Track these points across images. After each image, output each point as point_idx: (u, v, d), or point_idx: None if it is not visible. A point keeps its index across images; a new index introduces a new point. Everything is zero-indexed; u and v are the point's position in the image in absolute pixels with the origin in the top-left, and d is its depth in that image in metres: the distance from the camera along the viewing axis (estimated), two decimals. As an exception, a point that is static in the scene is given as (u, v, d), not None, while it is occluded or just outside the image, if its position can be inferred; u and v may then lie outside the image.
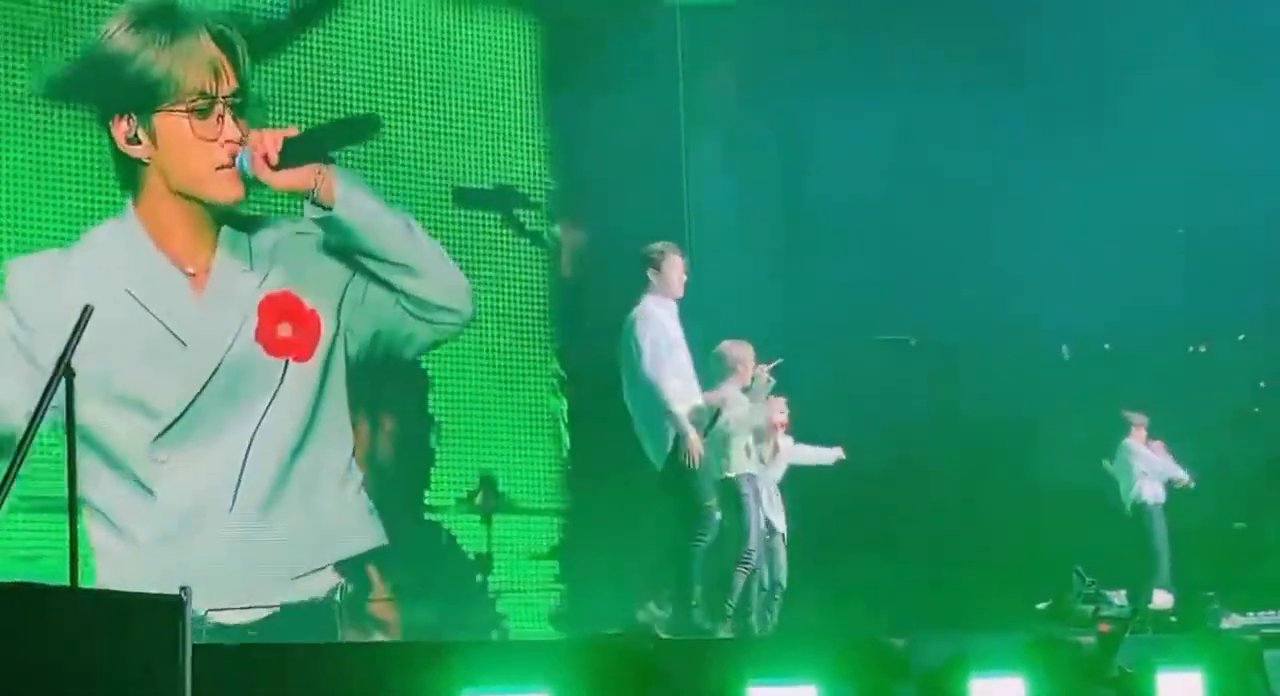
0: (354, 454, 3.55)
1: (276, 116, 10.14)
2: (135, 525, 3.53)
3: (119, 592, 3.86)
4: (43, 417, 3.52)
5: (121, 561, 3.54)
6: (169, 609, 3.39)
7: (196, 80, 3.35)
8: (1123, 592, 12.34)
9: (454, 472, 11.45)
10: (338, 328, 3.43)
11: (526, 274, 12.19)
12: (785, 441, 10.94)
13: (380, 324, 3.50)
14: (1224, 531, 13.80)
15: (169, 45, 3.32)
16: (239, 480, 3.39)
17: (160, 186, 3.50)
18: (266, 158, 3.43)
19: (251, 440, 3.40)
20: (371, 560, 9.98)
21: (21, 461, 3.57)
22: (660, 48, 12.63)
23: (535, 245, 12.32)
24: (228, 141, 3.47)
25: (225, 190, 3.41)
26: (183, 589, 3.54)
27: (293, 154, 3.50)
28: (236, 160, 3.48)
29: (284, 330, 3.42)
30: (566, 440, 12.33)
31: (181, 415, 3.44)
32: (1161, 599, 12.62)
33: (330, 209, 3.41)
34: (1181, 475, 13.44)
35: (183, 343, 3.41)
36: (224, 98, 3.45)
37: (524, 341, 12.08)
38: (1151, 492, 13.41)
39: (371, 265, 3.42)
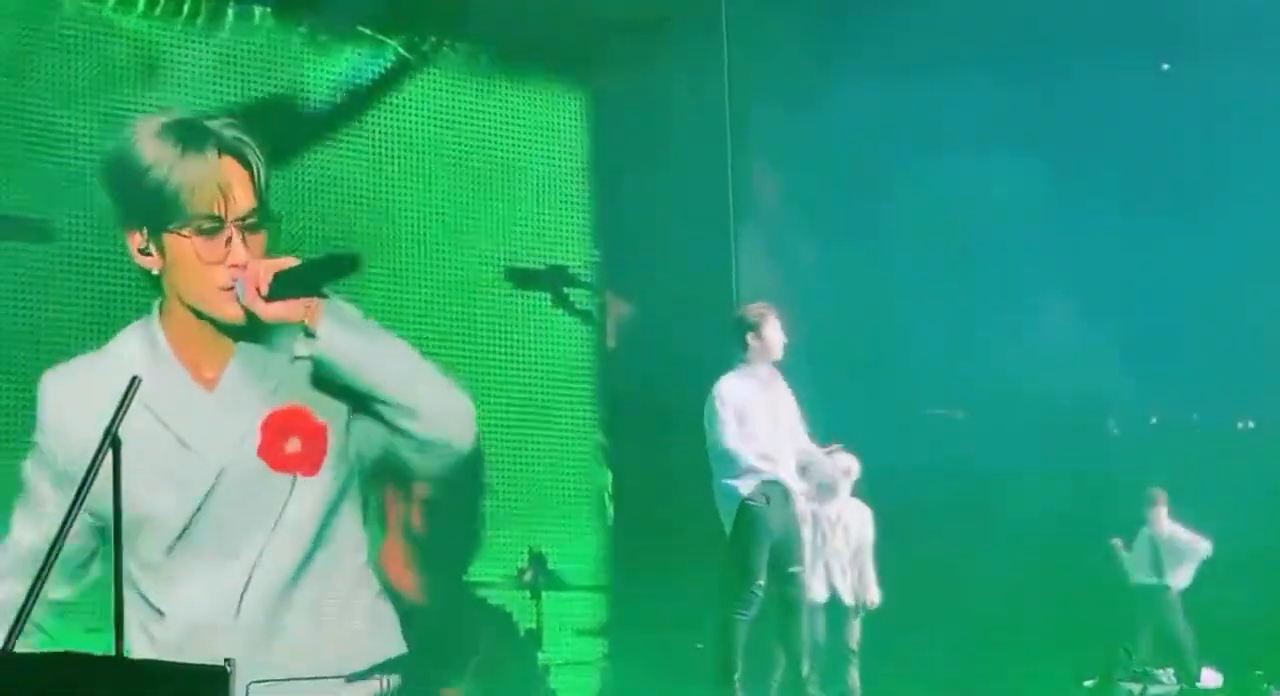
0: (370, 560, 3.50)
1: (315, 207, 10.27)
2: (144, 635, 3.48)
3: (164, 663, 3.85)
4: (88, 491, 3.51)
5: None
6: (214, 680, 3.38)
7: (204, 200, 3.30)
8: (1170, 671, 12.24)
9: (499, 548, 11.45)
10: (348, 439, 3.39)
11: (570, 345, 12.21)
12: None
13: (385, 453, 3.47)
14: (1274, 609, 13.66)
15: (181, 161, 3.29)
16: (242, 595, 3.32)
17: (174, 298, 3.50)
18: (258, 288, 3.39)
19: (261, 554, 3.34)
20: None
21: (66, 533, 3.56)
22: (710, 117, 12.64)
23: (579, 317, 12.34)
24: (232, 265, 3.43)
25: (229, 311, 3.38)
26: (227, 660, 3.51)
27: (280, 289, 3.48)
28: (235, 286, 3.47)
29: (292, 445, 3.38)
30: (611, 513, 12.30)
31: (187, 527, 3.38)
32: (1210, 678, 12.49)
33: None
34: (1206, 548, 13.31)
35: (188, 447, 3.35)
36: (235, 220, 3.40)
37: (568, 413, 12.09)
38: (1184, 576, 13.27)
39: (366, 404, 3.37)
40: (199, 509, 3.62)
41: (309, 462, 3.63)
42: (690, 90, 12.38)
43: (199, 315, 3.70)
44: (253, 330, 3.73)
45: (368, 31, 11.54)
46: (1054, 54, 13.24)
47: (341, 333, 3.62)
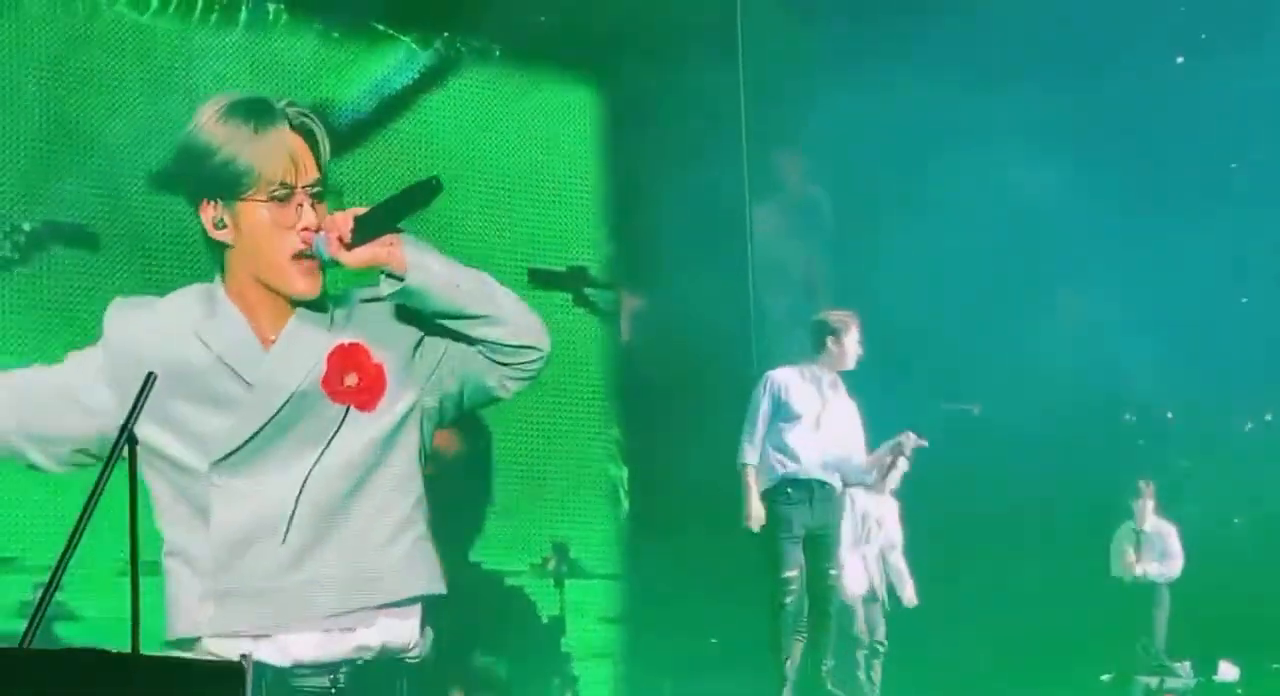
0: (420, 504, 3.63)
1: (352, 203, 10.31)
2: (192, 545, 3.64)
3: (178, 659, 3.85)
4: (104, 487, 3.52)
5: (182, 580, 3.66)
6: (229, 676, 3.38)
7: (277, 170, 3.49)
8: (1188, 665, 12.23)
9: (516, 536, 11.48)
10: (409, 383, 3.54)
11: (586, 340, 12.23)
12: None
13: (464, 376, 3.60)
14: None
15: (253, 136, 3.50)
16: (292, 515, 3.48)
17: (244, 271, 3.65)
18: (340, 238, 3.52)
19: (307, 477, 3.49)
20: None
21: (84, 530, 3.57)
22: (725, 110, 12.64)
23: (594, 313, 12.35)
24: (304, 229, 3.60)
25: (301, 282, 3.52)
26: (243, 656, 3.51)
27: (364, 231, 3.60)
28: (314, 244, 3.59)
29: (350, 380, 3.57)
30: (625, 506, 12.31)
31: (240, 447, 3.55)
32: (1227, 671, 12.48)
33: (403, 279, 3.50)
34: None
35: (248, 384, 3.55)
36: (303, 187, 3.58)
37: (583, 407, 12.11)
38: (1170, 569, 13.12)
39: (450, 324, 3.54)
40: (256, 433, 3.74)
41: (367, 397, 3.75)
42: (706, 87, 12.37)
43: (267, 288, 3.81)
44: (320, 304, 3.86)
45: (382, 28, 11.55)
46: (1075, 51, 13.27)
47: (431, 257, 3.76)
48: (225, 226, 3.83)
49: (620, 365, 12.43)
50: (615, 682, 11.88)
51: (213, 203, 3.82)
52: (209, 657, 3.85)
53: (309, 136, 3.86)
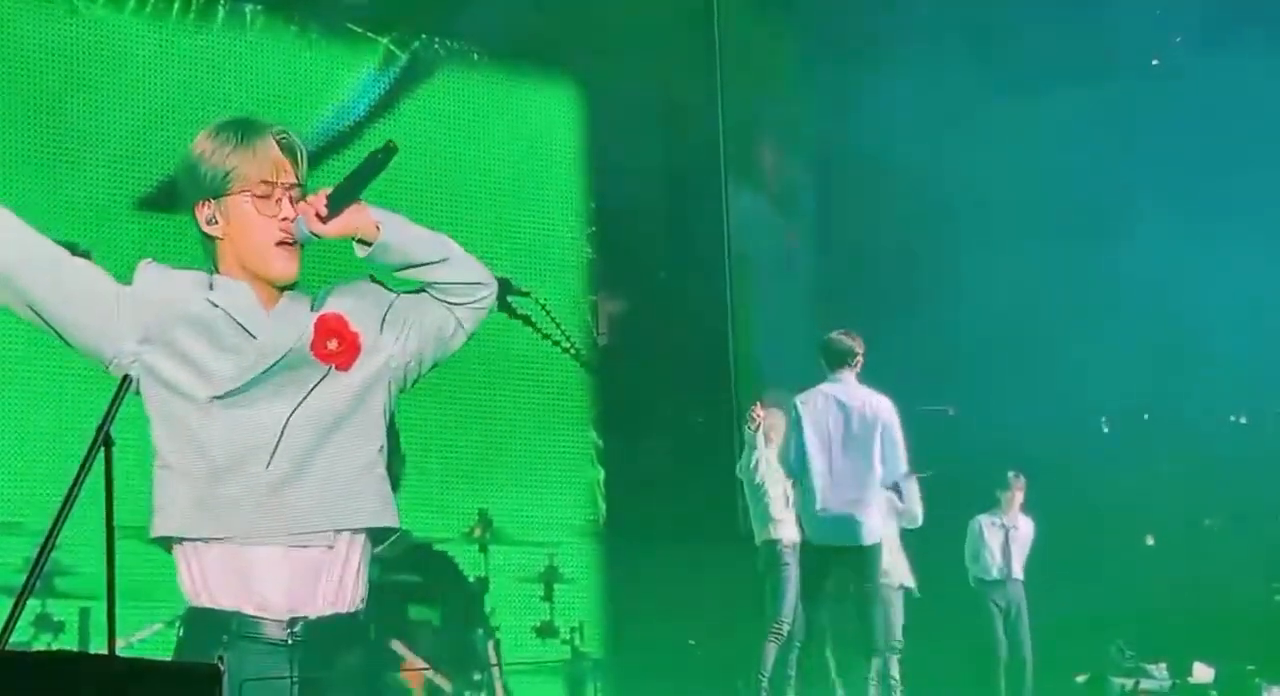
0: (382, 451, 4.35)
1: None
2: (183, 460, 4.25)
3: (154, 661, 3.88)
4: (81, 485, 3.56)
5: (170, 488, 4.29)
6: (205, 679, 3.39)
7: (259, 171, 4.24)
8: (1163, 665, 12.26)
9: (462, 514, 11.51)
10: (378, 349, 4.28)
11: (563, 345, 12.23)
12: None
13: (423, 330, 4.24)
14: (1265, 604, 13.69)
15: (239, 145, 4.28)
16: (276, 446, 4.17)
17: (233, 258, 4.35)
18: (318, 214, 4.24)
19: (289, 417, 4.21)
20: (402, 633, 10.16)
21: (60, 526, 3.59)
22: (703, 110, 12.65)
23: (573, 313, 12.35)
24: (284, 219, 4.30)
25: (280, 266, 4.30)
26: (219, 657, 3.55)
27: (336, 203, 4.18)
28: (294, 227, 4.27)
29: (332, 344, 4.27)
30: (603, 509, 12.32)
31: (243, 387, 4.21)
32: (1202, 672, 12.50)
33: (372, 244, 4.27)
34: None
35: (253, 337, 4.25)
36: (283, 185, 4.29)
37: (560, 406, 12.12)
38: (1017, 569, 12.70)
39: (412, 273, 4.29)
40: (256, 377, 4.35)
41: (344, 359, 4.41)
42: (684, 87, 12.40)
43: (254, 276, 4.44)
44: (297, 289, 4.50)
45: (359, 30, 11.55)
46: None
47: (392, 216, 4.48)
48: (216, 222, 4.43)
49: (597, 368, 12.43)
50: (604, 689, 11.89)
51: (206, 203, 4.43)
52: (184, 662, 3.91)
53: (289, 151, 4.47)
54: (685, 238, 12.31)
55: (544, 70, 12.33)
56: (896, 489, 10.58)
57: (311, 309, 4.49)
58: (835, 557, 9.93)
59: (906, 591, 11.04)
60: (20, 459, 9.98)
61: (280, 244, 4.44)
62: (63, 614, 9.80)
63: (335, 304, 4.52)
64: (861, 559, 9.88)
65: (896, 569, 10.78)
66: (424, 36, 11.78)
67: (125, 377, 3.99)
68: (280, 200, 4.43)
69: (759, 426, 10.18)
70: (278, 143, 4.46)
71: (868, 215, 13.07)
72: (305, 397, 4.40)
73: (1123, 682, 12.24)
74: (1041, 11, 13.23)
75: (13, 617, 3.45)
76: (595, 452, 12.32)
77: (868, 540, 9.85)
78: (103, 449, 3.73)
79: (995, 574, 12.20)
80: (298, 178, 4.48)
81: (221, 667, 3.41)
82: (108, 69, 10.56)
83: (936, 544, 11.86)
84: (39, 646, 9.56)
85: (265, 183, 4.42)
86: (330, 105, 11.36)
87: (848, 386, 9.98)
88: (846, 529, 9.81)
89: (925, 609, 11.43)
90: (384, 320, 4.53)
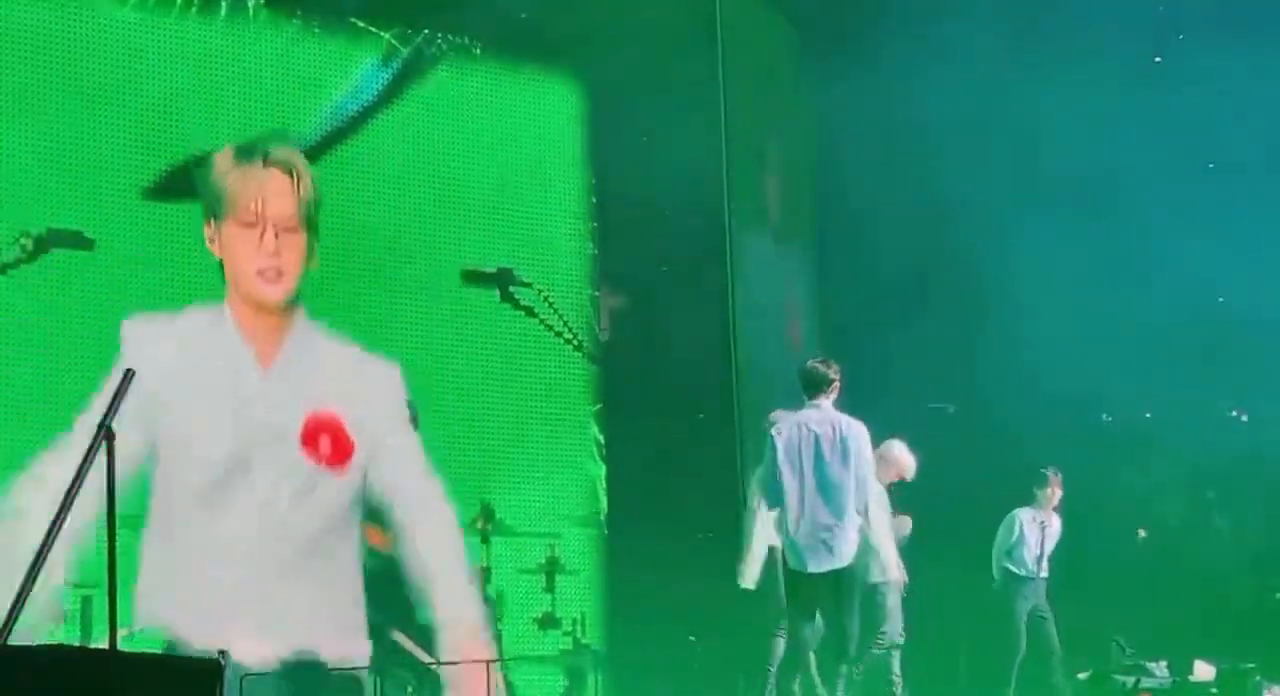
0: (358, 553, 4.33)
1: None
2: (184, 552, 4.29)
3: (156, 656, 3.87)
4: (82, 482, 3.56)
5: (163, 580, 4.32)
6: (207, 674, 3.38)
7: (248, 200, 4.34)
8: (1164, 663, 12.24)
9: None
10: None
11: (566, 338, 12.23)
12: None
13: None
14: (1266, 602, 13.69)
15: (235, 168, 4.39)
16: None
17: (231, 282, 4.45)
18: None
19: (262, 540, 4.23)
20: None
21: (61, 524, 3.58)
22: (706, 104, 12.63)
23: (575, 311, 12.34)
24: (266, 255, 4.39)
25: (264, 291, 4.36)
26: (221, 652, 3.55)
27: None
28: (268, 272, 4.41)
29: (324, 445, 4.22)
30: (604, 505, 12.32)
31: (220, 477, 4.17)
32: (1203, 671, 12.49)
33: None
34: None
35: (240, 418, 4.26)
36: (271, 219, 4.39)
37: (562, 400, 12.12)
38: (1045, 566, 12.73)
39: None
40: (234, 465, 4.49)
41: (337, 460, 4.52)
42: (686, 81, 12.38)
43: (246, 297, 4.66)
44: (291, 310, 4.69)
45: (361, 24, 11.54)
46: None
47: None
48: (214, 242, 4.71)
49: (599, 363, 12.43)
50: (599, 685, 11.89)
51: (209, 222, 4.72)
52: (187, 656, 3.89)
53: (289, 172, 4.65)
54: (687, 232, 12.28)
55: (546, 65, 12.31)
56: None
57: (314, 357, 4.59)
58: (813, 580, 10.08)
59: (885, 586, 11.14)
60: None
61: (260, 273, 4.64)
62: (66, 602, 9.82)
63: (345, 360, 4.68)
64: (838, 582, 10.06)
65: (891, 566, 10.83)
66: (426, 31, 11.77)
67: (128, 372, 3.99)
68: (264, 232, 4.60)
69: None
70: (278, 165, 4.65)
71: (868, 214, 13.06)
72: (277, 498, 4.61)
73: (1124, 680, 12.22)
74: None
75: (13, 615, 3.45)
76: (597, 446, 12.32)
77: (840, 564, 10.02)
78: (104, 442, 3.71)
79: (1028, 569, 12.34)
80: (296, 202, 4.68)
81: (223, 662, 3.41)
82: (112, 63, 10.57)
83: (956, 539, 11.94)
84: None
85: (250, 213, 4.62)
86: (331, 99, 11.35)
87: (822, 411, 10.12)
88: (819, 556, 10.01)
89: (924, 606, 11.46)
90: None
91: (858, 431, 10.06)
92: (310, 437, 4.38)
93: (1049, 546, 12.38)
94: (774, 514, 10.22)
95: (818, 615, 10.16)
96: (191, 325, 4.58)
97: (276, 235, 4.61)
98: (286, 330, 4.62)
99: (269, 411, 4.48)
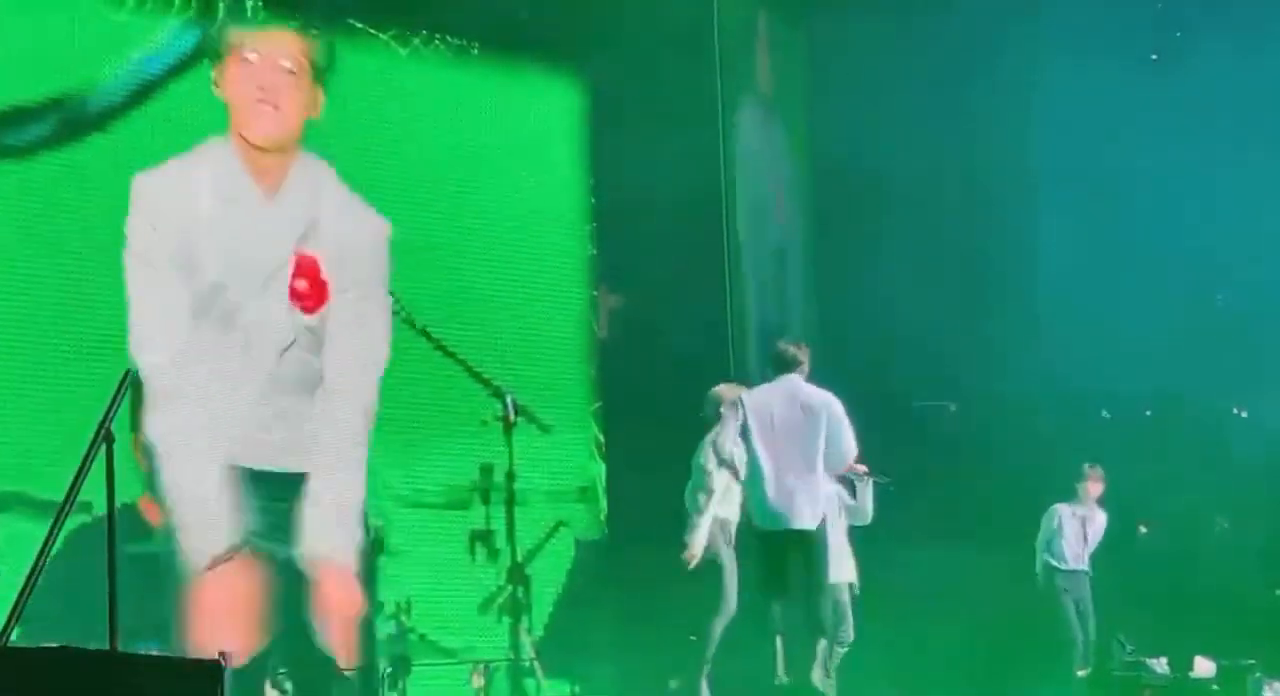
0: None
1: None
2: (179, 383, 4.41)
3: (158, 657, 3.89)
4: (83, 482, 3.57)
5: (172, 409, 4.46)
6: (208, 674, 3.40)
7: (253, 40, 4.52)
8: (1164, 660, 12.26)
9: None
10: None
11: (564, 337, 12.25)
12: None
13: None
14: (1266, 598, 13.69)
15: (250, 33, 4.58)
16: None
17: (233, 118, 4.60)
18: None
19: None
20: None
21: (64, 520, 3.60)
22: (704, 103, 12.63)
23: (575, 309, 12.36)
24: (260, 86, 4.51)
25: (259, 126, 4.50)
26: (221, 654, 3.56)
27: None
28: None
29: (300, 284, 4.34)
30: (604, 503, 12.33)
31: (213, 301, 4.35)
32: (1203, 667, 12.50)
33: None
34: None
35: (246, 243, 4.44)
36: (277, 57, 4.52)
37: (561, 400, 12.13)
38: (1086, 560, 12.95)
39: None
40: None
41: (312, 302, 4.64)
42: (685, 81, 12.39)
43: (245, 129, 4.88)
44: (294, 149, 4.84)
45: (360, 25, 11.52)
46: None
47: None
48: (217, 84, 4.95)
49: (598, 362, 12.45)
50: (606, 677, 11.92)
51: (215, 65, 4.94)
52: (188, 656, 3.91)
53: (307, 31, 4.80)
54: (686, 232, 12.29)
55: (545, 65, 12.31)
56: (850, 485, 10.88)
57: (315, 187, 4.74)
58: (779, 543, 10.23)
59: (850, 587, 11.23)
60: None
61: (259, 102, 4.79)
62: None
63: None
64: (805, 544, 10.21)
65: (843, 566, 10.97)
66: (424, 32, 11.76)
67: (126, 373, 3.90)
68: (265, 66, 4.83)
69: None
70: (299, 33, 4.83)
71: (869, 212, 13.07)
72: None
73: (1124, 677, 12.24)
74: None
75: (14, 615, 3.46)
76: (596, 446, 12.33)
77: (808, 524, 10.21)
78: (104, 445, 3.72)
79: (1069, 563, 12.72)
80: (298, 48, 4.82)
81: (224, 663, 3.42)
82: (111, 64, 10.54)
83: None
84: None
85: (255, 51, 4.87)
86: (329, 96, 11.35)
87: (793, 383, 10.43)
88: (786, 513, 10.21)
89: (923, 601, 11.51)
90: None
91: (830, 398, 10.36)
92: (296, 276, 4.71)
93: (1093, 540, 12.79)
94: (731, 482, 10.47)
95: (785, 588, 10.25)
96: (203, 159, 4.94)
97: (276, 72, 4.88)
98: (288, 167, 4.83)
99: (266, 243, 4.71)
